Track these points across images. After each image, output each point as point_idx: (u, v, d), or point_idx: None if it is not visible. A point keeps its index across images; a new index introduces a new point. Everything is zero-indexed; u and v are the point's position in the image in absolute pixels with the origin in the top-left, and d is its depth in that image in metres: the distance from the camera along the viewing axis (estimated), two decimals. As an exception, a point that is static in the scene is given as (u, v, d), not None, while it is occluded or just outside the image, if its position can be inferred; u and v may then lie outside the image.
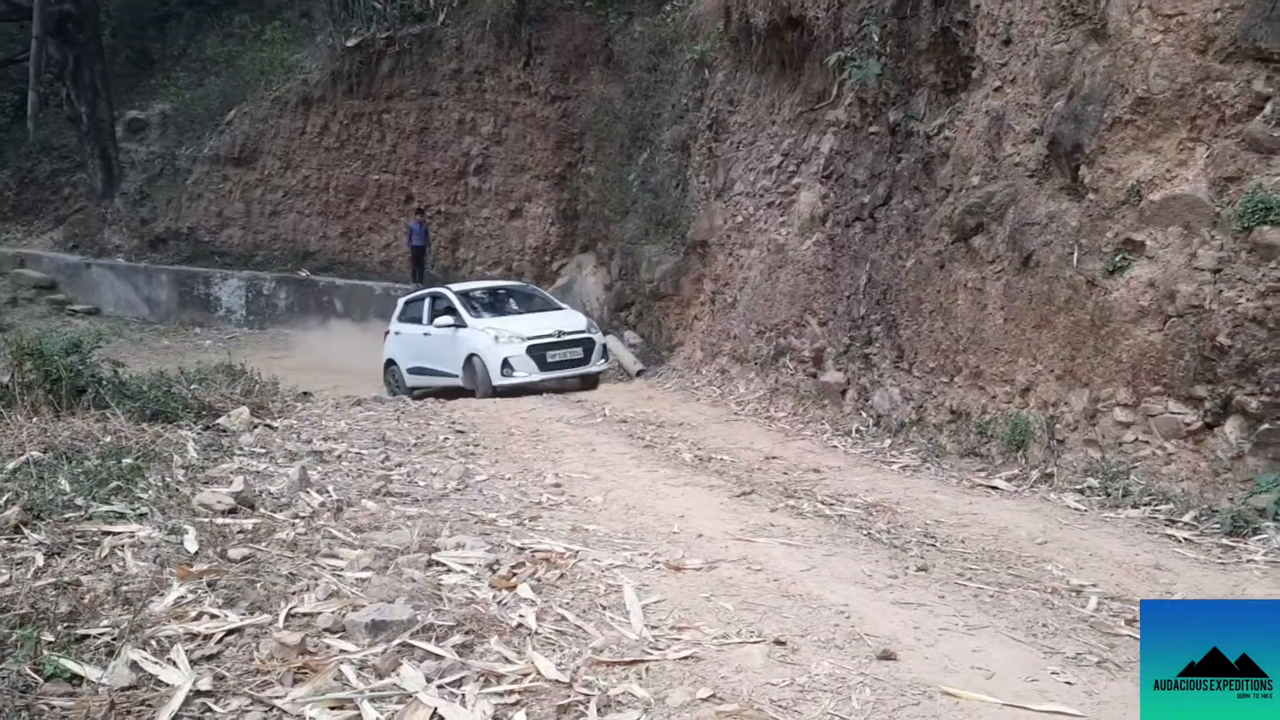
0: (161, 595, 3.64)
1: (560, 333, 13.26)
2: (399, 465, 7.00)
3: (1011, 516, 5.74)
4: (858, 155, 9.77)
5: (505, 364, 12.82)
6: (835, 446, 8.45)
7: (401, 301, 15.37)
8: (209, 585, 3.77)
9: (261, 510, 5.05)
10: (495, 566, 4.27)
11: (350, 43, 20.26)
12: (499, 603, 3.80)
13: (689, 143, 14.23)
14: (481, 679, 3.08)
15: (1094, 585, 4.39)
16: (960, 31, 8.11)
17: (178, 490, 5.23)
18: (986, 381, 7.50)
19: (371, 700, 2.91)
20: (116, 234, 22.91)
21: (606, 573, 4.27)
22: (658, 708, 2.95)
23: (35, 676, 2.95)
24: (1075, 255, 6.56)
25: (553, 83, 18.26)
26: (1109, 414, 6.24)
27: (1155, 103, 6.00)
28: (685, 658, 3.34)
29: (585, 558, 4.49)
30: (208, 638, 3.31)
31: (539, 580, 4.12)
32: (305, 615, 3.54)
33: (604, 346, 13.86)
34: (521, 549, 4.59)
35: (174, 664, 3.09)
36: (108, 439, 6.13)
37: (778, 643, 3.48)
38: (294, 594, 3.75)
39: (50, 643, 3.15)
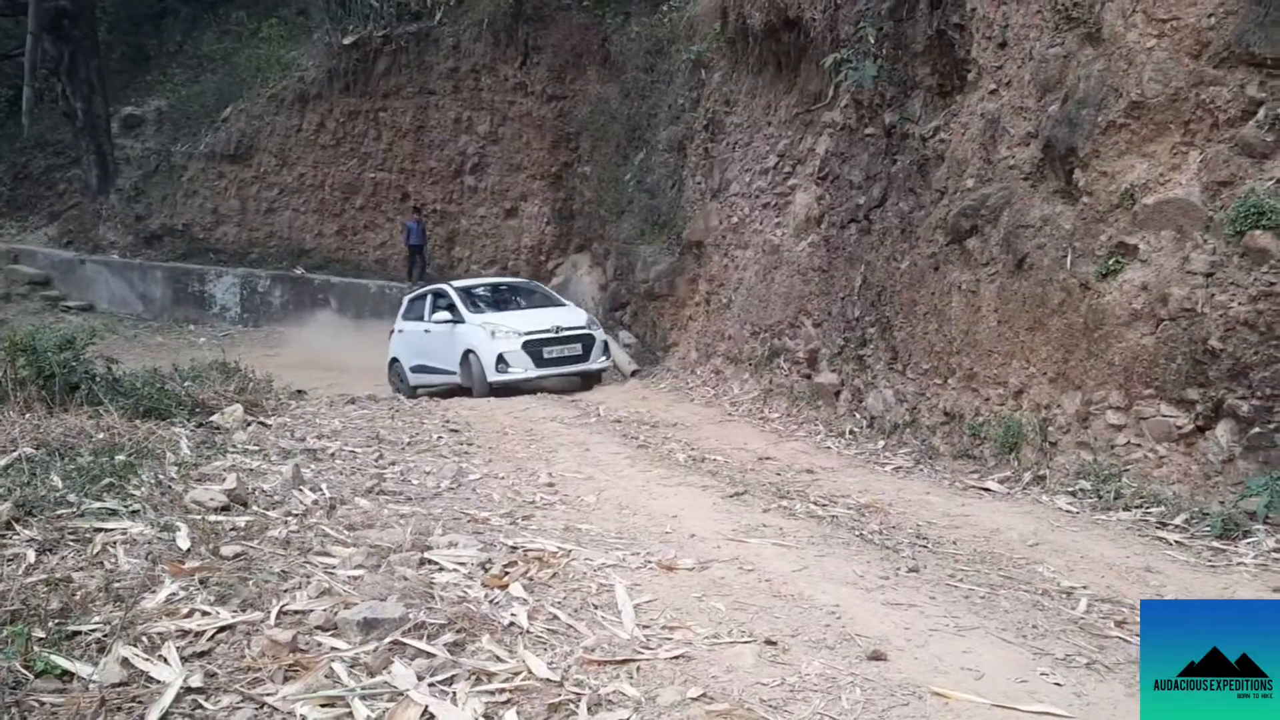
0: (153, 592, 3.64)
1: (558, 328, 13.00)
2: (392, 464, 7.00)
3: (1003, 518, 5.76)
4: (853, 157, 9.78)
5: (500, 360, 12.60)
6: (829, 447, 8.47)
7: (405, 299, 15.24)
8: (201, 582, 3.76)
9: (254, 508, 5.04)
10: (488, 565, 4.28)
11: (347, 40, 20.24)
12: (491, 601, 3.80)
13: (685, 143, 14.24)
14: (473, 677, 3.09)
15: (1085, 587, 4.41)
16: (956, 34, 8.13)
17: (170, 487, 5.23)
18: (980, 384, 7.52)
19: (362, 698, 2.92)
20: (111, 230, 22.87)
21: (599, 572, 4.28)
22: (648, 707, 2.96)
23: (26, 673, 2.94)
24: (1069, 258, 6.58)
25: (549, 82, 18.26)
26: (1101, 416, 6.26)
27: (1149, 107, 6.02)
28: (676, 657, 3.34)
29: (578, 557, 4.49)
30: (199, 635, 3.31)
31: (531, 579, 4.13)
32: (297, 613, 3.54)
33: (605, 344, 13.58)
34: (514, 548, 4.59)
35: (165, 661, 3.09)
36: (100, 436, 6.12)
37: (769, 643, 3.49)
38: (286, 591, 3.75)
39: (41, 639, 3.15)
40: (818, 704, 3.02)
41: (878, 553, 4.94)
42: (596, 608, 3.81)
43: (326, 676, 3.06)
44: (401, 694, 2.95)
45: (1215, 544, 5.04)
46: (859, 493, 6.46)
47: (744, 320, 11.87)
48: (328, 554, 4.32)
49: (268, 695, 2.94)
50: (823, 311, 10.14)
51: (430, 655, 3.21)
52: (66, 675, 2.98)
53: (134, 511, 4.68)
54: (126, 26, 26.31)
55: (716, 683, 3.15)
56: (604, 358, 13.48)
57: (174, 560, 4.01)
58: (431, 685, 3.01)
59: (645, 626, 3.64)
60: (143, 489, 5.08)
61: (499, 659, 3.24)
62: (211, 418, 7.77)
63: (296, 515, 5.00)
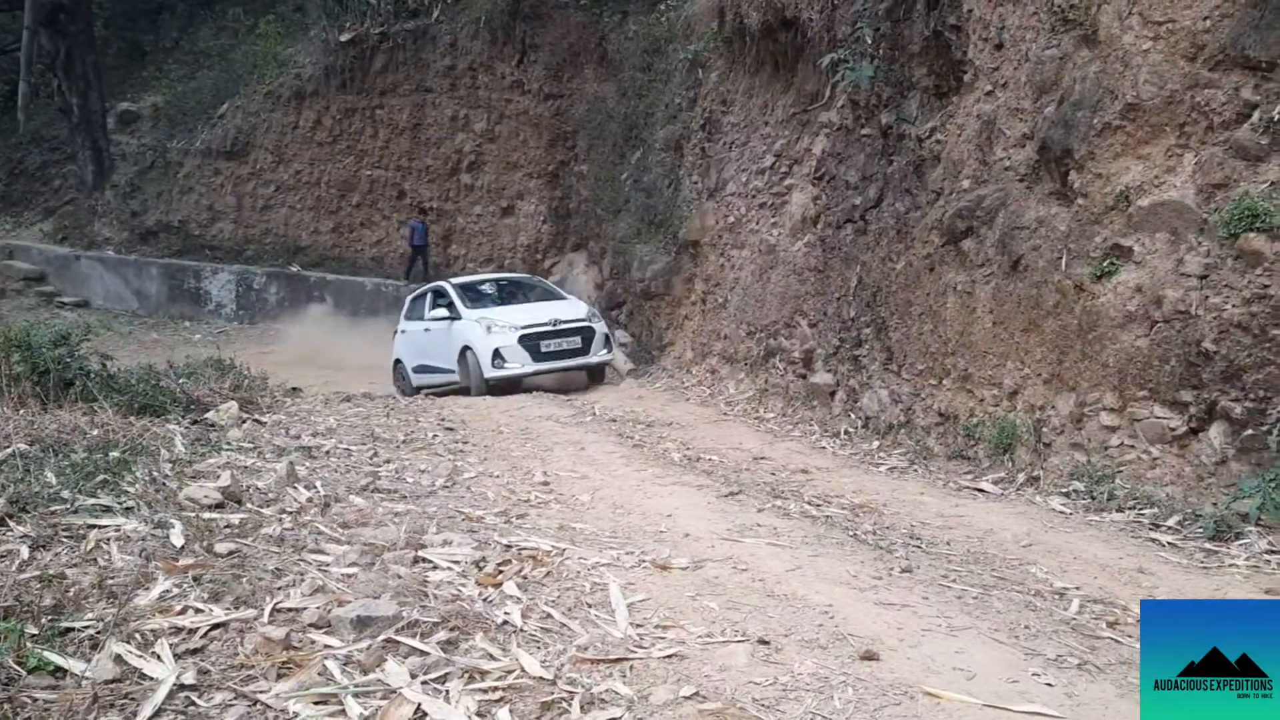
0: (147, 589, 3.63)
1: (556, 321, 12.62)
2: (387, 462, 6.99)
3: (997, 519, 5.78)
4: (850, 157, 9.79)
5: (496, 355, 12.30)
6: (824, 448, 8.48)
7: (408, 299, 14.98)
8: (194, 579, 3.76)
9: (248, 505, 5.04)
10: (482, 564, 4.28)
11: (344, 37, 20.21)
12: (485, 600, 3.81)
13: (682, 142, 14.24)
14: (466, 675, 3.09)
15: (1077, 588, 4.42)
16: (953, 35, 8.14)
17: (165, 484, 5.22)
18: (974, 384, 7.54)
19: (355, 696, 2.92)
20: (106, 226, 22.82)
21: (593, 571, 4.28)
22: (641, 705, 2.96)
23: (18, 669, 2.94)
24: (1064, 260, 6.59)
25: (546, 80, 18.25)
26: (1095, 418, 6.28)
27: (1144, 109, 6.03)
28: (669, 656, 3.35)
29: (572, 556, 4.50)
30: (192, 632, 3.31)
31: (525, 578, 4.13)
32: (290, 610, 3.54)
33: (606, 336, 13.13)
34: (508, 546, 4.60)
35: (158, 658, 3.09)
36: (95, 432, 6.12)
37: (762, 642, 3.50)
38: (280, 589, 3.75)
39: (34, 635, 3.15)
40: (810, 703, 3.03)
41: (871, 553, 4.95)
42: (590, 606, 3.82)
43: (319, 674, 3.06)
44: (394, 692, 2.95)
45: (1208, 545, 5.05)
46: (853, 493, 6.47)
47: (740, 320, 11.88)
48: (322, 552, 4.31)
49: (261, 693, 2.94)
50: (818, 312, 10.15)
51: (424, 653, 3.21)
52: (59, 672, 2.97)
53: (128, 508, 4.68)
54: (123, 22, 26.28)
55: (709, 682, 3.15)
56: (605, 350, 13.08)
57: (168, 557, 4.01)
58: (425, 683, 3.02)
59: (639, 625, 3.64)
60: (137, 486, 5.08)
61: (492, 657, 3.24)
62: (206, 415, 7.76)
63: (291, 513, 4.99)
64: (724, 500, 6.15)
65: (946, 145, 8.17)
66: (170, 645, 3.17)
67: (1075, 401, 6.44)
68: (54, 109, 23.63)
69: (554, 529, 5.10)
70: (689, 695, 3.03)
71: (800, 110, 11.02)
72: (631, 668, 3.24)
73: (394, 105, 20.29)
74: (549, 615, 3.68)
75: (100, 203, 22.99)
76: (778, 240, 11.18)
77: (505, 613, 3.64)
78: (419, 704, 2.88)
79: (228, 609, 3.51)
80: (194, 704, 2.87)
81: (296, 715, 2.82)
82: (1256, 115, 5.49)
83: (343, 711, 2.86)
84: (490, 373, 12.31)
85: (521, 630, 3.50)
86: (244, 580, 3.80)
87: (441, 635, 3.37)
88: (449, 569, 4.15)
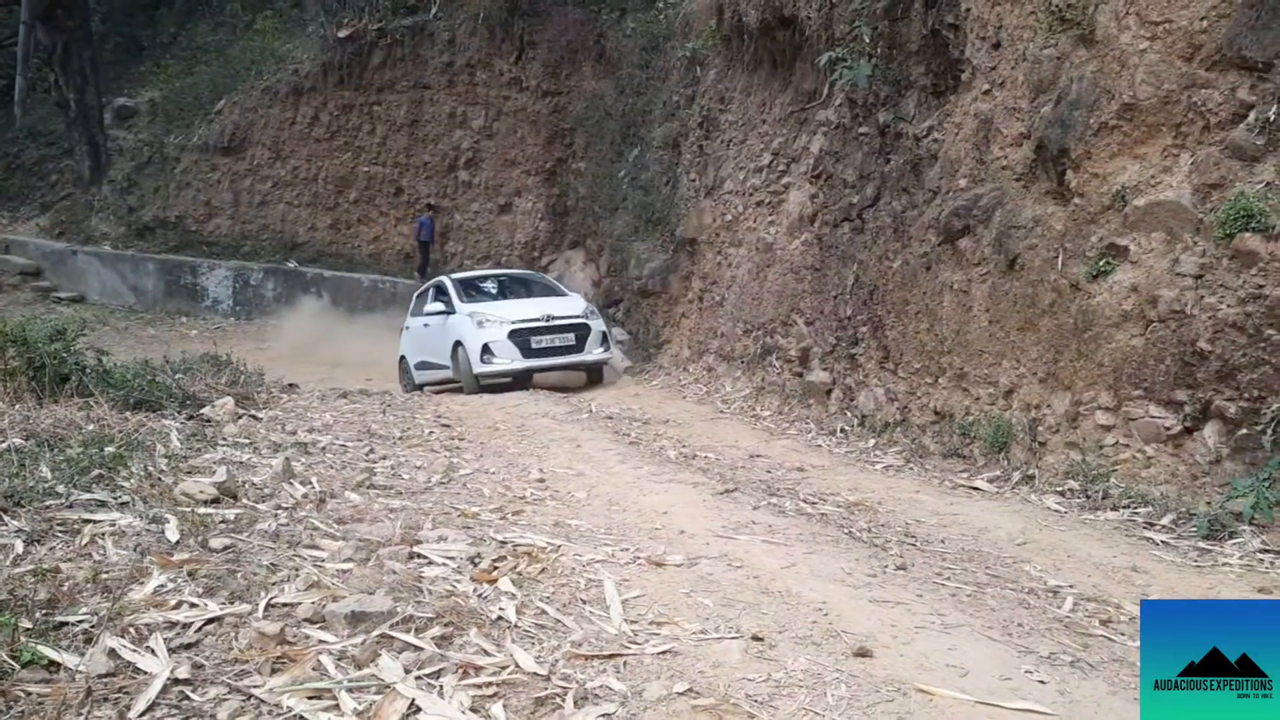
0: (141, 584, 3.63)
1: (549, 317, 12.35)
2: (383, 458, 6.99)
3: (992, 517, 5.79)
4: (847, 156, 9.80)
5: (485, 350, 12.01)
6: (819, 445, 8.49)
7: (415, 294, 14.85)
8: (189, 574, 3.76)
9: (244, 501, 5.04)
10: (477, 560, 4.28)
11: (342, 34, 20.21)
12: (479, 596, 3.81)
13: (680, 140, 14.25)
14: (460, 671, 3.09)
15: (1071, 586, 4.43)
16: (950, 34, 8.15)
17: (160, 479, 5.21)
18: (970, 383, 7.55)
19: (349, 690, 2.92)
20: (103, 221, 22.79)
21: (587, 567, 4.28)
22: (634, 701, 2.97)
23: (12, 663, 2.94)
24: (1060, 259, 6.60)
25: (544, 78, 18.27)
26: (1090, 417, 6.29)
27: (1141, 109, 6.04)
28: (663, 652, 3.36)
29: (567, 552, 4.50)
30: (187, 626, 3.31)
31: (520, 574, 4.13)
32: (285, 605, 3.54)
33: (604, 334, 12.79)
34: (503, 543, 4.60)
35: (152, 652, 3.08)
36: (90, 427, 6.11)
37: (755, 639, 3.51)
38: (274, 584, 3.75)
39: (28, 629, 3.14)
40: (803, 699, 3.03)
41: (866, 550, 4.96)
42: (585, 603, 3.82)
43: (314, 669, 3.06)
44: (388, 687, 2.95)
45: (1201, 544, 5.06)
46: (849, 491, 6.48)
47: (737, 318, 11.89)
48: (317, 547, 4.32)
49: (255, 687, 2.94)
50: (815, 310, 10.16)
51: (418, 648, 3.22)
52: (53, 666, 2.97)
53: (123, 503, 4.67)
54: (120, 17, 26.25)
55: (703, 678, 3.16)
56: (602, 349, 12.73)
57: (162, 552, 4.01)
58: (419, 678, 3.02)
59: (633, 622, 3.65)
60: (132, 481, 5.07)
61: (486, 653, 3.25)
62: (202, 410, 7.76)
63: (286, 508, 4.99)
64: (719, 498, 6.15)
65: (944, 144, 8.18)
66: (164, 640, 3.16)
67: (1070, 400, 6.45)
68: (51, 104, 23.59)
69: (549, 526, 5.10)
70: (682, 691, 3.03)
71: (798, 108, 11.03)
72: (625, 663, 3.25)
73: (392, 102, 20.29)
74: (543, 611, 3.68)
75: (97, 198, 22.96)
76: (775, 238, 11.18)
77: (500, 609, 3.64)
78: (413, 699, 2.88)
79: (222, 604, 3.51)
80: (188, 698, 2.87)
81: (290, 710, 2.82)
82: (1253, 115, 5.50)
83: (337, 706, 2.86)
84: (479, 368, 12.06)
85: (516, 626, 3.50)
86: (239, 575, 3.81)
87: (436, 631, 3.37)
88: (444, 565, 4.15)
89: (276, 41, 22.12)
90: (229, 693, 2.92)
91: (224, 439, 6.83)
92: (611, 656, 3.29)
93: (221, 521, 4.59)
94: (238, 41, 23.10)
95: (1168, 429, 5.79)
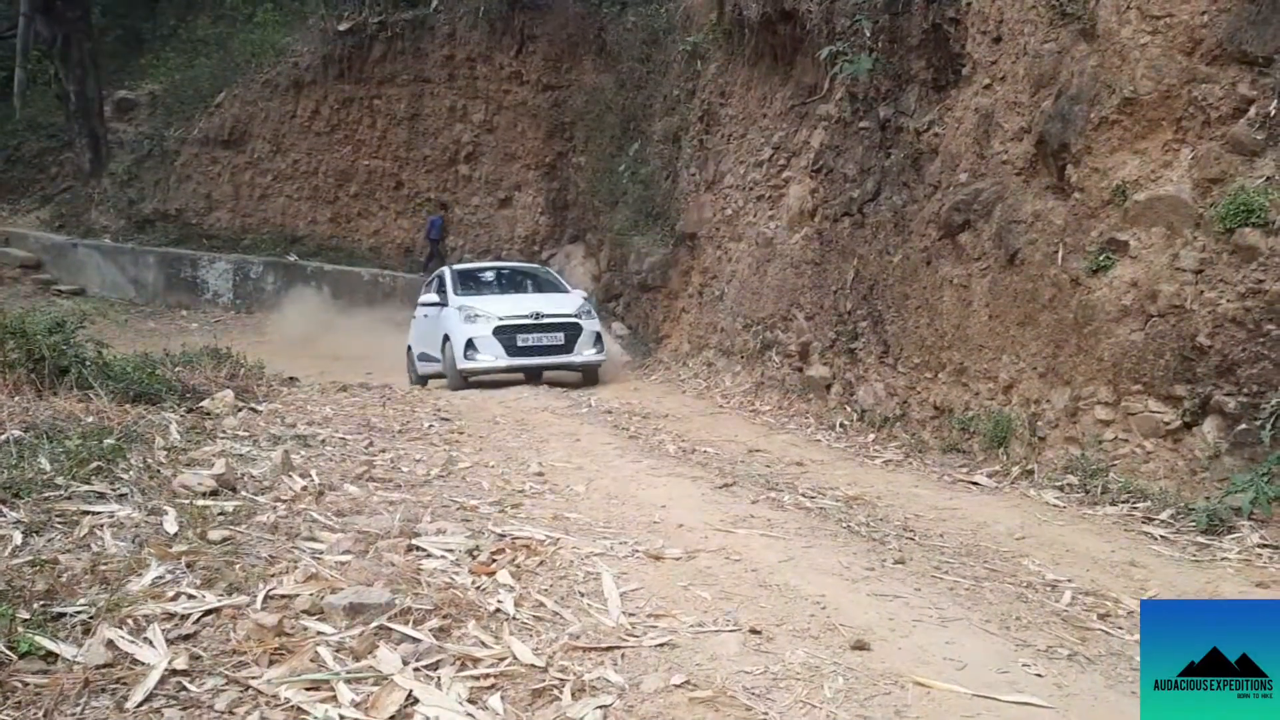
0: (139, 575, 3.63)
1: (538, 315, 11.97)
2: (383, 451, 6.99)
3: (990, 512, 5.79)
4: (847, 150, 9.79)
5: (470, 345, 11.66)
6: (819, 440, 8.49)
7: (424, 284, 14.67)
8: (187, 566, 3.76)
9: (243, 493, 5.04)
10: (475, 552, 4.28)
11: (342, 27, 20.19)
12: (478, 588, 3.81)
13: (680, 134, 14.22)
14: (458, 662, 3.10)
15: (1069, 580, 4.43)
16: (951, 28, 8.14)
17: (159, 472, 5.22)
18: (970, 378, 7.55)
19: (347, 682, 2.92)
20: (104, 214, 22.77)
21: (586, 560, 4.28)
22: (631, 693, 2.97)
23: (9, 654, 2.94)
24: (1060, 254, 6.60)
25: (545, 72, 18.25)
26: (1090, 412, 6.29)
27: (1142, 103, 6.03)
28: (661, 645, 3.36)
29: (565, 545, 4.50)
30: (185, 618, 3.31)
31: (518, 567, 4.13)
32: (283, 597, 3.54)
33: (597, 335, 12.42)
34: (502, 536, 4.60)
35: (150, 643, 3.09)
36: (90, 419, 6.11)
37: (753, 631, 3.51)
38: (273, 576, 3.75)
39: (26, 620, 3.14)
40: (800, 692, 3.04)
41: (864, 544, 4.96)
42: (583, 595, 3.82)
43: (312, 660, 3.06)
44: (386, 678, 2.95)
45: (1200, 539, 5.07)
46: (847, 485, 6.49)
47: (736, 313, 11.89)
48: (315, 539, 4.32)
49: (252, 678, 2.94)
50: (815, 305, 10.15)
51: (416, 640, 3.22)
52: (51, 656, 2.97)
53: (122, 495, 4.68)
54: (120, 9, 26.19)
55: (700, 670, 3.16)
56: (593, 350, 12.31)
57: (161, 543, 4.01)
58: (416, 670, 3.02)
59: (631, 614, 3.65)
60: (131, 473, 5.07)
61: (484, 644, 3.25)
62: (202, 403, 7.75)
63: (285, 500, 4.99)
64: (718, 492, 6.15)
65: (944, 139, 8.17)
66: (162, 631, 3.17)
67: (1070, 395, 6.45)
68: (51, 96, 23.54)
69: (548, 519, 5.10)
70: (680, 683, 3.03)
71: (798, 103, 11.02)
72: (623, 656, 3.25)
73: (392, 95, 20.27)
74: (541, 604, 3.68)
75: (97, 190, 22.93)
76: (775, 233, 11.17)
77: (498, 601, 3.64)
78: (410, 690, 2.88)
79: (220, 595, 3.51)
80: (185, 689, 2.88)
81: (288, 701, 2.82)
82: (1253, 110, 5.50)
83: (334, 697, 2.86)
84: (463, 364, 11.74)
85: (514, 618, 3.50)
86: (237, 567, 3.81)
87: (434, 623, 3.38)
88: (442, 557, 4.15)
89: (277, 34, 22.07)
90: (227, 684, 2.92)
91: (223, 432, 6.83)
92: (609, 649, 3.29)
93: (220, 513, 4.59)
94: (238, 34, 23.05)
95: (1167, 424, 5.79)
